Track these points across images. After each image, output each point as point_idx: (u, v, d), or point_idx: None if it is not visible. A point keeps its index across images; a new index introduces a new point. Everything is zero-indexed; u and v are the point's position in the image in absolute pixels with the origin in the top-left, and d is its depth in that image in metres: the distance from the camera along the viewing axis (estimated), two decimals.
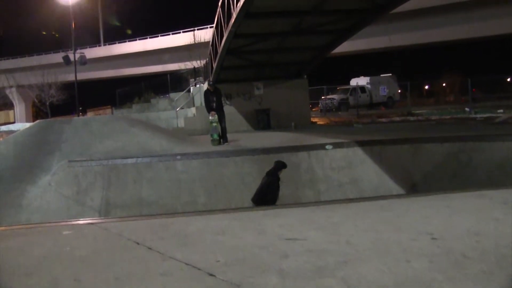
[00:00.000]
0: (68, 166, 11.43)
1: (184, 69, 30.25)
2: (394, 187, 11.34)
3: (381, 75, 39.70)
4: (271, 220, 5.01)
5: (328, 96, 34.33)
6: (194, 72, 27.70)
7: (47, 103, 46.00)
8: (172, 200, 11.00)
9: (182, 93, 25.07)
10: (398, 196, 8.88)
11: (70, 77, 36.84)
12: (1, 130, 35.14)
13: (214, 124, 13.74)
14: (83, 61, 32.63)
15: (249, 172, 11.27)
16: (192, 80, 27.23)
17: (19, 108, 66.63)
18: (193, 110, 21.78)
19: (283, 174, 9.79)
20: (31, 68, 51.36)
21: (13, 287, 3.35)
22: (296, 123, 19.21)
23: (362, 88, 36.17)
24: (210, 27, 28.38)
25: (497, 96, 34.64)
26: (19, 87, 61.43)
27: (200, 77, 26.08)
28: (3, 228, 6.18)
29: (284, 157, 11.63)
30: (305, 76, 21.08)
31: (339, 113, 32.00)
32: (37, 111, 59.21)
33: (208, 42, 22.27)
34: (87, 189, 11.08)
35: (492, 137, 11.64)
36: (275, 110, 19.69)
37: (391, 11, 14.56)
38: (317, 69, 22.12)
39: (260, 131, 18.70)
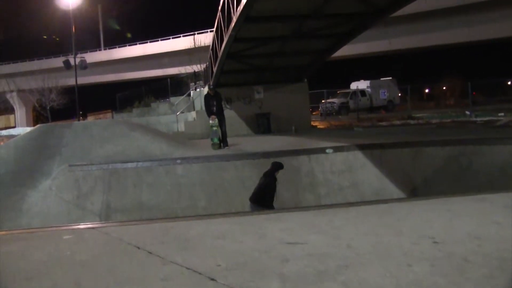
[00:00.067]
0: (69, 170, 11.43)
1: (184, 73, 30.24)
2: (395, 191, 11.33)
3: (381, 79, 39.70)
4: (272, 224, 5.00)
5: (328, 100, 34.29)
6: (194, 76, 27.70)
7: (48, 108, 46.01)
8: (173, 204, 10.99)
9: (182, 97, 25.06)
10: (399, 199, 8.88)
11: (71, 82, 36.86)
12: (2, 134, 35.19)
13: (215, 128, 13.74)
14: (84, 66, 32.61)
15: (250, 176, 11.26)
16: (192, 84, 27.21)
17: (20, 112, 66.66)
18: (193, 114, 21.78)
19: (283, 178, 9.87)
20: (31, 73, 51.42)
21: None
22: (296, 127, 19.21)
23: (362, 92, 36.18)
24: (210, 31, 28.42)
25: (497, 99, 34.64)
26: (20, 91, 61.45)
27: (200, 81, 26.07)
28: (3, 232, 6.17)
29: (285, 161, 11.61)
30: (305, 80, 21.09)
31: (339, 116, 32.00)
32: (38, 116, 59.22)
33: (208, 46, 22.28)
34: (88, 193, 11.08)
35: (493, 141, 11.63)
36: (276, 114, 19.69)
37: (391, 15, 14.58)
38: (317, 73, 22.17)
39: (261, 135, 18.70)
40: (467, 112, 24.41)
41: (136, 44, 56.47)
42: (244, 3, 11.70)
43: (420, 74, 65.19)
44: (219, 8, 15.63)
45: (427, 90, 52.85)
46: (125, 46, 57.67)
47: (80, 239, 4.91)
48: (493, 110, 24.49)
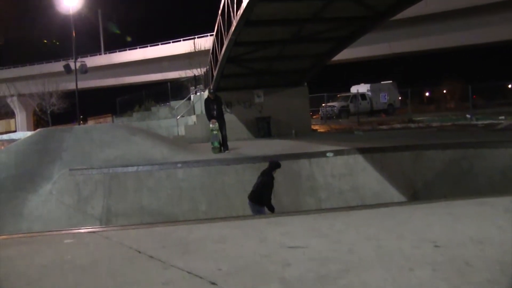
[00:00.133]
0: (69, 174, 11.43)
1: (184, 77, 30.26)
2: (396, 194, 11.32)
3: (382, 82, 39.70)
4: (273, 228, 5.00)
5: (329, 104, 34.30)
6: (195, 80, 27.70)
7: (48, 112, 46.10)
8: (173, 208, 10.98)
9: (182, 101, 25.05)
10: (400, 203, 8.86)
11: (71, 86, 36.92)
12: (3, 138, 35.19)
13: (215, 132, 13.75)
14: (84, 70, 32.63)
15: (250, 180, 11.22)
16: (192, 88, 27.22)
17: (20, 116, 66.73)
18: (193, 118, 21.78)
19: (284, 182, 9.92)
20: (32, 77, 51.55)
21: None
22: (296, 130, 19.20)
23: (363, 95, 36.17)
24: (210, 35, 28.47)
25: (497, 103, 34.66)
26: (20, 96, 61.57)
27: (201, 85, 26.07)
28: (4, 236, 6.16)
29: (285, 164, 11.62)
30: (306, 84, 21.08)
31: (340, 120, 31.99)
32: (38, 120, 59.30)
33: (208, 50, 22.30)
34: (88, 198, 11.08)
35: (493, 144, 11.62)
36: (276, 118, 19.70)
37: (391, 18, 14.59)
38: (317, 76, 22.15)
39: (261, 139, 18.69)
40: (468, 116, 24.40)
41: (136, 48, 56.55)
42: (244, 7, 11.72)
43: (421, 77, 65.28)
44: (219, 12, 15.65)
45: (427, 94, 52.84)
46: (125, 50, 57.77)
47: (81, 243, 4.90)
48: (494, 113, 24.48)
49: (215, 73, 18.61)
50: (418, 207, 6.02)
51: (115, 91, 51.21)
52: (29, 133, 22.77)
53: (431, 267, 3.34)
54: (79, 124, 32.58)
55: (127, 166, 11.64)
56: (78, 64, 32.19)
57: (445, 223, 4.64)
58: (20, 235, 6.40)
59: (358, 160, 11.97)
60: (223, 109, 14.71)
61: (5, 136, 38.65)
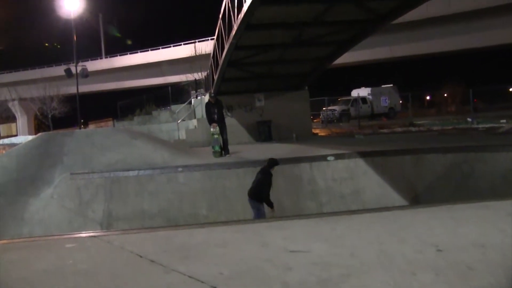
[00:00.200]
0: (70, 178, 11.43)
1: (185, 81, 30.28)
2: (397, 198, 11.30)
3: (382, 86, 39.72)
4: (274, 232, 4.99)
5: (329, 107, 34.30)
6: (195, 84, 27.71)
7: (49, 116, 46.08)
8: (174, 212, 10.97)
9: (183, 105, 25.06)
10: (402, 207, 8.85)
11: (72, 90, 36.92)
12: (4, 143, 35.23)
13: (216, 136, 13.75)
14: (85, 74, 32.67)
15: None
16: (193, 92, 27.24)
17: (22, 121, 66.80)
18: (194, 122, 21.77)
19: (285, 186, 9.96)
20: (33, 81, 51.57)
21: None
22: (297, 134, 19.18)
23: (363, 99, 36.17)
24: (211, 39, 28.49)
25: (498, 106, 34.62)
26: (22, 100, 61.63)
27: (201, 89, 26.09)
28: (5, 241, 6.16)
29: (286, 168, 11.64)
30: (306, 88, 21.08)
31: (341, 124, 31.97)
32: (39, 124, 59.30)
33: (209, 54, 22.30)
34: (89, 202, 11.07)
35: (495, 148, 11.60)
36: (276, 121, 19.68)
37: (392, 22, 14.59)
38: (318, 80, 22.15)
39: (262, 143, 18.68)
40: (469, 119, 24.38)
41: (137, 52, 56.61)
42: (245, 11, 11.73)
43: (421, 81, 65.42)
44: (220, 16, 15.66)
45: (428, 97, 52.81)
46: (126, 54, 57.84)
47: (82, 248, 4.90)
48: (495, 117, 24.46)
49: (215, 77, 18.61)
50: (420, 211, 6.02)
51: (116, 95, 51.30)
52: (30, 137, 22.77)
53: (434, 271, 3.33)
54: (80, 128, 32.65)
55: (128, 170, 11.64)
56: (79, 68, 32.22)
57: (447, 227, 4.63)
58: (21, 240, 6.40)
59: (359, 164, 11.95)
60: (224, 113, 14.72)
61: (6, 140, 38.69)
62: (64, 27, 53.61)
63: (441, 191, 11.13)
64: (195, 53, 35.78)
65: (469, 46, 38.77)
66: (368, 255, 3.84)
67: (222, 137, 13.88)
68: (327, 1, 12.34)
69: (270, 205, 9.12)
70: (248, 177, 11.24)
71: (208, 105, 14.05)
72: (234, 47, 14.53)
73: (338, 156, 12.02)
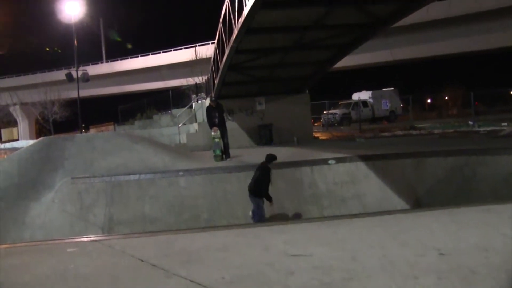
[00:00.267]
0: (71, 183, 11.42)
1: (186, 85, 30.31)
2: (398, 202, 11.28)
3: (383, 89, 39.73)
4: (276, 236, 4.98)
5: (330, 111, 34.29)
6: (196, 88, 27.74)
7: (50, 120, 46.16)
8: (175, 216, 10.96)
9: (184, 109, 25.07)
10: (404, 211, 8.84)
11: (73, 94, 36.96)
12: (5, 147, 35.26)
13: (217, 140, 13.74)
14: (86, 78, 32.69)
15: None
16: (194, 96, 27.26)
17: (23, 125, 66.88)
18: (195, 126, 21.77)
19: (286, 189, 10.01)
20: (34, 86, 51.74)
21: None
22: (298, 138, 19.17)
23: (364, 103, 36.18)
24: (212, 43, 28.53)
25: (500, 109, 34.62)
26: (23, 104, 61.74)
27: (202, 93, 26.11)
28: (7, 245, 6.15)
29: (287, 172, 11.64)
30: (307, 91, 21.09)
31: (341, 127, 31.97)
32: (40, 128, 59.39)
33: (210, 58, 22.33)
34: (90, 206, 11.06)
35: (496, 151, 11.58)
36: (277, 125, 19.69)
37: (392, 25, 14.60)
38: (319, 83, 22.13)
39: (263, 147, 18.65)
40: (470, 122, 24.36)
41: (137, 56, 56.72)
42: (245, 15, 11.74)
43: (422, 84, 65.45)
44: (220, 20, 15.68)
45: (429, 100, 52.81)
46: (127, 58, 57.94)
47: (84, 252, 4.89)
48: (496, 120, 24.44)
49: (216, 81, 18.63)
50: (422, 214, 6.01)
51: (116, 99, 51.34)
52: (31, 142, 22.76)
53: (436, 275, 3.32)
54: (81, 133, 32.65)
55: (129, 174, 11.64)
56: (80, 73, 32.25)
57: (449, 231, 4.62)
58: (23, 244, 6.40)
59: (360, 168, 11.94)
60: (225, 117, 14.73)
61: (7, 145, 38.74)
62: (65, 32, 53.86)
63: (442, 195, 11.11)
64: (196, 57, 35.84)
65: (470, 49, 38.79)
66: (370, 259, 3.83)
67: (223, 141, 13.88)
68: (328, 4, 12.36)
69: (269, 199, 9.58)
70: (249, 181, 11.23)
71: (209, 109, 14.06)
72: (235, 51, 14.55)
73: (339, 160, 12.02)
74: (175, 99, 28.55)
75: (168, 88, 36.18)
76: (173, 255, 4.38)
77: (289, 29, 13.99)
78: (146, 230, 10.17)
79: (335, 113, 34.54)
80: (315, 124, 33.51)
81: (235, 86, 19.05)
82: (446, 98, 48.45)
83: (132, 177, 11.52)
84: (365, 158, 12.07)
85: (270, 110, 20.08)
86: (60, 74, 44.39)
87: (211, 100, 14.46)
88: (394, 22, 13.92)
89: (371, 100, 37.09)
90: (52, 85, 47.70)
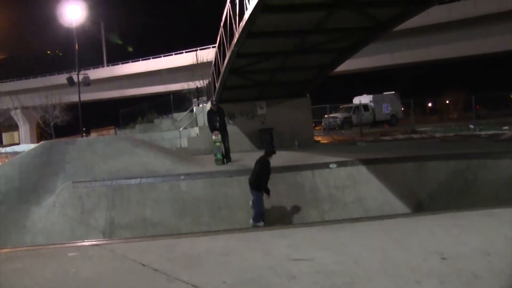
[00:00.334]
0: (72, 187, 11.42)
1: (187, 89, 30.33)
2: (399, 206, 11.26)
3: (384, 93, 39.75)
4: (278, 240, 4.97)
5: (331, 115, 34.26)
6: (197, 92, 27.76)
7: (51, 124, 46.21)
8: (176, 220, 10.95)
9: (185, 113, 25.08)
10: (405, 215, 8.82)
11: (74, 98, 37.01)
12: (6, 151, 35.28)
13: (218, 144, 13.74)
14: (87, 82, 32.70)
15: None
16: (195, 100, 27.28)
17: (24, 129, 66.94)
18: (196, 130, 21.77)
19: (287, 193, 10.04)
20: (35, 90, 51.83)
21: None
22: (299, 142, 19.16)
23: (365, 106, 36.19)
24: (213, 47, 28.54)
25: (501, 113, 34.58)
26: (24, 108, 61.87)
27: (203, 97, 26.13)
28: (8, 250, 6.15)
29: (289, 176, 11.63)
30: (308, 95, 21.08)
31: (342, 131, 31.96)
32: (42, 132, 59.43)
33: (211, 62, 22.34)
34: (91, 210, 11.06)
35: (497, 154, 11.57)
36: (278, 129, 19.66)
37: (393, 29, 14.60)
38: (319, 87, 22.12)
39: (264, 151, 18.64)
40: (471, 126, 24.34)
41: (138, 60, 56.78)
42: (246, 19, 11.74)
43: (423, 87, 65.48)
44: (221, 24, 15.69)
45: (430, 104, 52.86)
46: (128, 62, 58.02)
47: (85, 256, 4.88)
48: (497, 123, 24.41)
49: (217, 85, 18.64)
50: (424, 218, 5.99)
51: (117, 103, 51.45)
52: (32, 146, 22.78)
53: (438, 280, 3.31)
54: (82, 137, 32.69)
55: (130, 178, 11.63)
56: (81, 77, 32.27)
57: (451, 235, 4.61)
58: (24, 248, 6.39)
59: (362, 171, 11.92)
60: (226, 121, 14.71)
61: (9, 149, 38.77)
62: (66, 36, 53.88)
63: (443, 198, 11.09)
64: (197, 61, 35.89)
65: (470, 53, 38.80)
66: (372, 263, 3.82)
67: (224, 145, 13.87)
68: (328, 8, 12.36)
69: (267, 192, 10.07)
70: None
71: (210, 113, 14.06)
72: (236, 55, 14.55)
73: (340, 164, 12.00)
74: (176, 103, 28.58)
75: (169, 92, 36.23)
76: (175, 259, 4.38)
77: (290, 33, 14.00)
78: (147, 234, 10.17)
79: (336, 117, 34.53)
80: (316, 128, 33.49)
81: (236, 90, 19.05)
82: (447, 101, 48.48)
83: (133, 181, 11.51)
84: (366, 162, 12.06)
85: (271, 114, 20.06)
86: (61, 78, 44.47)
87: (212, 104, 14.45)
88: (395, 26, 13.92)
89: (372, 104, 37.09)
90: (53, 89, 47.77)
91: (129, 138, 18.19)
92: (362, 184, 11.77)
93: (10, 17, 67.31)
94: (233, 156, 14.18)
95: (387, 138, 23.51)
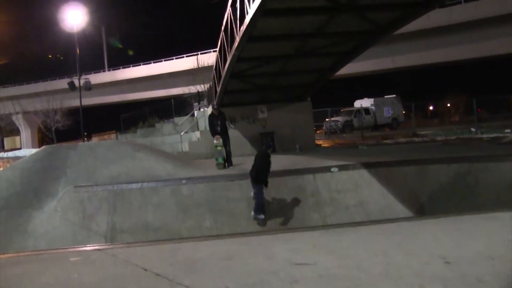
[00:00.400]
0: (74, 191, 11.41)
1: (188, 93, 30.35)
2: (401, 209, 11.23)
3: (385, 97, 39.78)
4: (280, 245, 4.96)
5: (332, 118, 34.30)
6: (198, 96, 27.76)
7: (53, 129, 46.25)
8: (178, 225, 10.92)
9: (186, 117, 25.08)
10: (408, 218, 8.80)
11: (75, 103, 37.12)
12: (8, 156, 35.33)
13: (219, 148, 13.73)
14: (88, 87, 32.76)
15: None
16: (196, 104, 27.28)
17: (25, 134, 67.05)
18: (197, 134, 21.77)
19: (289, 197, 10.06)
20: (36, 94, 51.84)
21: None
22: (300, 145, 19.17)
23: (366, 110, 36.22)
24: (214, 51, 28.58)
25: (503, 116, 34.56)
26: (25, 113, 61.96)
27: (204, 101, 26.13)
28: (10, 255, 6.14)
29: (290, 180, 11.61)
30: (309, 99, 21.09)
31: (344, 135, 31.98)
32: (43, 137, 59.53)
33: (212, 66, 22.36)
34: (93, 214, 11.04)
35: (499, 158, 11.55)
36: (280, 133, 19.66)
37: (394, 33, 14.62)
38: (320, 91, 22.15)
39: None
40: (473, 129, 24.33)
41: (139, 64, 56.89)
42: (247, 23, 11.76)
43: (424, 91, 65.51)
44: (222, 28, 15.72)
45: (431, 107, 52.85)
46: (129, 67, 58.13)
47: (87, 261, 4.87)
48: (499, 126, 24.39)
49: (218, 89, 18.65)
50: (426, 222, 5.98)
51: (119, 108, 51.54)
52: (34, 150, 22.80)
53: (442, 284, 3.30)
54: (84, 141, 32.71)
55: (131, 182, 11.63)
56: (82, 81, 32.32)
57: (454, 239, 4.59)
58: (26, 253, 6.38)
59: (363, 175, 11.91)
60: (227, 125, 14.71)
61: (10, 154, 38.84)
62: (67, 41, 54.04)
63: (445, 202, 11.07)
64: (198, 65, 35.90)
65: (471, 56, 38.79)
66: (375, 267, 3.81)
67: (226, 149, 13.86)
68: (329, 12, 12.38)
69: (266, 184, 10.29)
70: (251, 189, 11.23)
71: (211, 117, 14.05)
72: (237, 59, 14.57)
73: (342, 167, 11.99)
74: (177, 107, 28.59)
75: (170, 96, 36.28)
76: (177, 264, 4.37)
77: (290, 37, 14.02)
78: (149, 239, 10.14)
79: (337, 121, 34.55)
80: (318, 131, 33.50)
81: (237, 94, 19.06)
82: (449, 105, 48.46)
83: (134, 185, 11.50)
84: (367, 166, 12.04)
85: (272, 118, 20.07)
86: (63, 83, 44.61)
87: (213, 108, 14.45)
88: (395, 29, 13.94)
89: (373, 108, 37.12)
90: (55, 94, 47.82)
91: (130, 142, 18.20)
92: (364, 188, 11.75)
93: (12, 22, 67.47)
94: (234, 160, 14.17)
95: (388, 141, 23.51)
